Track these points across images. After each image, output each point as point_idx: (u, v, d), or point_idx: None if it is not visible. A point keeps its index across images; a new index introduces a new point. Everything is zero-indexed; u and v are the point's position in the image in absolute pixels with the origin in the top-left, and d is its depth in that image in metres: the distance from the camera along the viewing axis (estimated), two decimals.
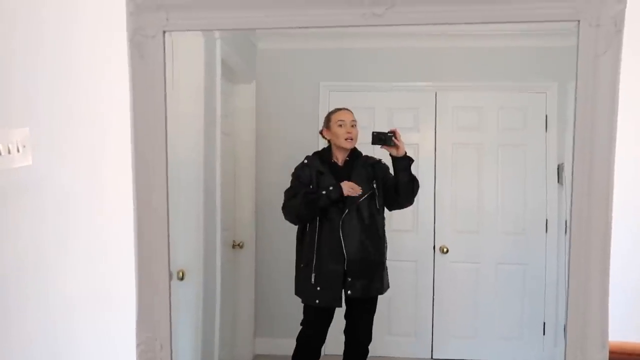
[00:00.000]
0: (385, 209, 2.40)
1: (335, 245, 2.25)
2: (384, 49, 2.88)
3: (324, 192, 2.23)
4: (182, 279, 1.86)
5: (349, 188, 2.24)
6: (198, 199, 2.13)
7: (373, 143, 2.27)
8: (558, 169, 2.78)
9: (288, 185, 2.35)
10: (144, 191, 1.20)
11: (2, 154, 1.06)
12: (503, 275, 2.89)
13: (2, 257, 1.12)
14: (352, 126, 2.33)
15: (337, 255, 2.25)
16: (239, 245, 2.82)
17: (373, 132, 2.26)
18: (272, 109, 2.94)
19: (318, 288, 2.26)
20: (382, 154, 2.31)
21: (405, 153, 2.27)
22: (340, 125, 2.32)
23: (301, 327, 2.36)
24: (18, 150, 1.10)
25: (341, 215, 2.26)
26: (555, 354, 2.78)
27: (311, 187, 2.26)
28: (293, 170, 2.34)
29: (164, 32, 1.10)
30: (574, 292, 1.16)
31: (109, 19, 1.13)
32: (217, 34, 2.14)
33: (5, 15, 1.11)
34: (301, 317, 2.36)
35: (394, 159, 2.27)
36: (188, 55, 1.95)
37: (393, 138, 2.24)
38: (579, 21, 1.05)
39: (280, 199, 2.39)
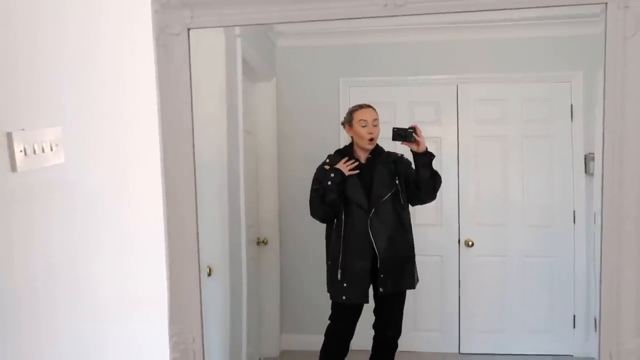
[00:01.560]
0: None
1: (364, 243, 2.25)
2: (403, 43, 2.87)
3: (329, 183, 2.24)
4: (209, 275, 1.88)
5: (345, 167, 2.26)
6: (222, 197, 2.15)
7: (394, 139, 2.25)
8: (585, 159, 2.73)
9: (310, 180, 2.36)
10: (173, 189, 1.23)
11: (37, 152, 1.09)
12: (530, 268, 2.85)
13: (34, 254, 1.15)
14: (375, 125, 2.32)
15: (365, 253, 2.25)
16: (263, 241, 2.84)
17: (393, 128, 2.25)
18: (292, 105, 2.95)
19: (345, 284, 2.27)
20: (404, 149, 2.30)
21: (427, 149, 2.24)
22: (363, 126, 2.31)
23: (329, 322, 2.37)
24: (51, 149, 1.12)
25: (368, 214, 2.25)
26: (587, 347, 2.73)
27: (331, 175, 2.26)
28: (315, 172, 2.35)
29: (189, 29, 1.12)
30: (606, 282, 1.14)
31: (134, 18, 1.15)
32: (237, 32, 2.15)
33: (33, 17, 1.14)
34: (327, 312, 2.37)
35: (415, 155, 2.25)
36: (209, 55, 1.97)
37: (413, 134, 2.22)
38: (606, 3, 1.03)
39: (302, 195, 2.40)
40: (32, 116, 1.14)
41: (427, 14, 1.06)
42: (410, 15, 1.08)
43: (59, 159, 1.17)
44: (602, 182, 1.16)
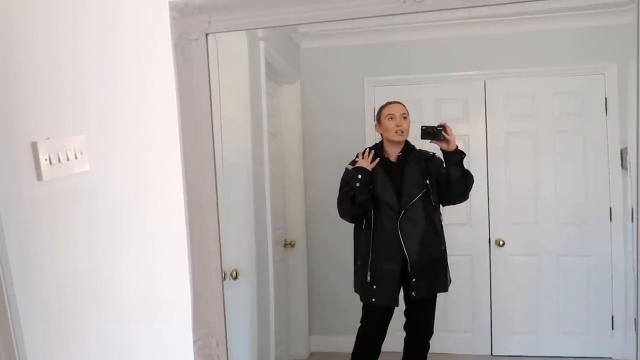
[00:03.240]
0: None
1: (394, 246, 2.21)
2: (428, 40, 2.82)
3: (357, 184, 2.21)
4: (236, 278, 1.89)
5: (367, 163, 2.23)
6: (248, 200, 2.16)
7: (422, 138, 2.20)
8: (621, 153, 2.62)
9: (337, 182, 2.34)
10: (195, 194, 1.23)
11: (62, 161, 1.11)
12: (565, 267, 2.75)
13: (61, 261, 1.18)
14: (403, 119, 2.28)
15: (394, 255, 2.21)
16: (290, 244, 2.84)
17: (422, 127, 2.19)
18: (317, 107, 2.94)
19: (374, 287, 2.23)
20: (436, 148, 2.25)
21: (457, 147, 2.18)
22: (391, 119, 2.27)
23: (360, 324, 2.34)
24: (76, 157, 1.15)
25: (398, 216, 2.21)
26: (626, 350, 2.62)
27: (359, 176, 2.23)
28: (344, 170, 2.32)
29: (207, 34, 1.12)
30: None
31: (152, 26, 1.17)
32: (260, 34, 2.16)
33: (55, 28, 1.16)
34: (355, 313, 2.35)
35: (445, 153, 2.18)
36: (233, 58, 1.98)
37: (443, 132, 2.16)
38: None
39: (329, 197, 2.39)
40: (56, 125, 1.16)
41: (446, 9, 1.03)
42: (430, 11, 1.05)
43: (84, 167, 1.20)
44: (637, 176, 1.10)
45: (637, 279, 1.11)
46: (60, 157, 1.10)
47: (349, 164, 2.29)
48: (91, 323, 1.23)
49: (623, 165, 2.63)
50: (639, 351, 1.10)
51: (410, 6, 1.01)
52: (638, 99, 1.05)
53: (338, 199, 2.28)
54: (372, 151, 2.26)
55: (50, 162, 1.07)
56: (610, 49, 2.59)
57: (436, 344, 2.39)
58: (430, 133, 2.17)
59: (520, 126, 2.85)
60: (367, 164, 2.24)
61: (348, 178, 2.25)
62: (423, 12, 1.03)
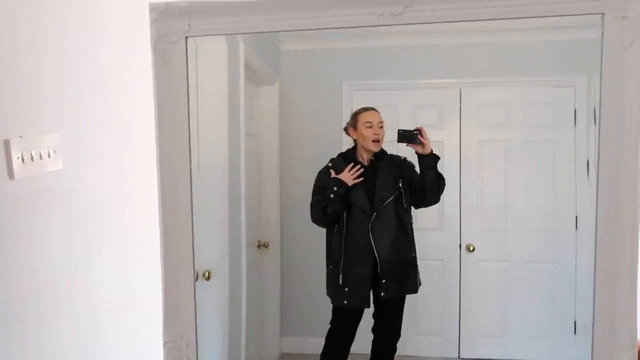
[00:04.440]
0: (412, 207, 2.39)
1: (364, 247, 2.25)
2: (406, 47, 2.86)
3: (332, 196, 2.23)
4: (208, 279, 1.89)
5: (349, 176, 2.25)
6: (223, 201, 2.16)
7: (399, 141, 2.26)
8: (588, 164, 2.71)
9: (312, 184, 2.37)
10: (169, 194, 1.23)
11: (34, 159, 1.10)
12: (532, 273, 2.83)
13: (36, 260, 1.17)
14: (380, 127, 2.33)
15: (366, 257, 2.25)
16: (264, 245, 2.85)
17: (399, 130, 2.26)
18: (295, 109, 2.95)
19: (346, 289, 2.27)
20: (407, 153, 2.30)
21: (432, 151, 2.26)
22: (369, 127, 2.32)
23: (330, 326, 2.37)
24: (49, 156, 1.14)
25: (370, 218, 2.25)
26: (588, 354, 2.70)
27: (335, 188, 2.25)
28: (316, 176, 2.35)
29: (187, 37, 1.12)
30: (600, 291, 1.13)
31: (133, 26, 1.16)
32: (239, 36, 2.16)
33: (34, 25, 1.15)
34: (327, 315, 2.37)
35: (420, 156, 2.25)
36: (212, 59, 1.97)
37: (419, 136, 2.23)
38: (603, 14, 1.03)
39: (304, 199, 2.40)
40: (31, 123, 1.15)
41: (423, 23, 1.07)
42: (407, 24, 1.08)
43: (57, 166, 1.18)
44: (597, 190, 1.15)
45: (595, 285, 1.16)
46: (34, 155, 1.09)
47: (323, 168, 2.32)
48: (67, 322, 1.22)
49: (589, 176, 2.72)
50: (594, 356, 1.15)
51: (387, 19, 1.04)
52: (600, 119, 1.10)
53: (311, 204, 2.30)
54: (361, 169, 2.27)
55: (23, 161, 1.06)
56: (580, 62, 2.67)
57: (406, 347, 2.43)
58: (406, 136, 2.23)
59: (493, 134, 2.91)
60: (349, 179, 2.25)
61: (322, 184, 2.27)
62: (400, 24, 1.06)
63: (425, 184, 2.24)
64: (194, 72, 1.30)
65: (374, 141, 2.30)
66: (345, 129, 2.41)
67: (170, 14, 1.10)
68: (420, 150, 2.24)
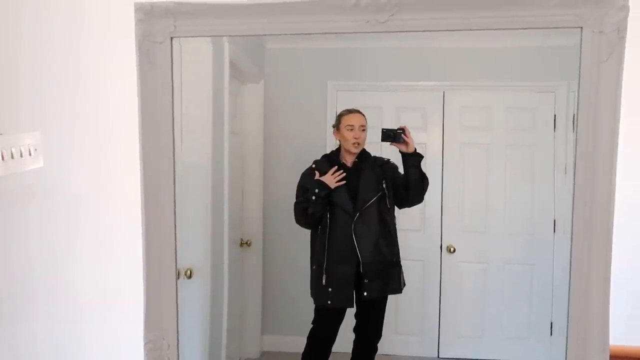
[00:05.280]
0: (396, 208, 2.41)
1: (347, 248, 2.27)
2: (392, 49, 2.88)
3: (313, 197, 2.24)
4: (190, 277, 1.88)
5: (332, 179, 2.26)
6: (206, 198, 2.15)
7: (383, 140, 2.28)
8: (566, 168, 2.77)
9: (295, 183, 2.38)
10: (152, 192, 1.23)
11: (15, 157, 1.09)
12: (510, 275, 2.88)
13: (13, 258, 1.16)
14: (362, 130, 2.35)
15: (349, 257, 2.27)
16: (246, 243, 2.85)
17: (382, 129, 2.28)
18: (280, 108, 2.95)
19: (329, 289, 2.29)
20: (390, 154, 2.32)
21: (415, 149, 2.29)
22: (350, 130, 2.34)
23: (312, 325, 2.38)
24: (30, 154, 1.13)
25: (352, 218, 2.27)
26: (564, 356, 2.76)
27: (316, 190, 2.27)
28: (300, 177, 2.36)
29: (172, 38, 1.12)
30: (575, 295, 1.17)
31: (117, 25, 1.16)
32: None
33: (15, 22, 1.13)
34: (308, 314, 2.39)
35: (404, 155, 2.28)
36: (196, 56, 1.96)
37: (402, 135, 2.25)
38: (582, 28, 1.05)
39: (287, 198, 2.41)
40: (11, 120, 1.14)
41: (408, 31, 1.08)
42: (393, 32, 1.09)
43: (37, 164, 1.17)
44: (573, 195, 1.18)
45: (570, 285, 1.19)
46: (14, 152, 1.08)
47: (307, 169, 2.33)
48: (44, 321, 1.21)
49: (566, 180, 2.78)
50: (567, 358, 1.18)
51: (373, 26, 1.05)
52: (577, 128, 1.12)
53: (294, 205, 2.31)
54: (344, 173, 2.28)
55: (3, 158, 1.05)
56: (560, 68, 2.72)
57: (386, 346, 2.46)
58: (390, 135, 2.26)
59: (474, 137, 2.95)
60: (332, 182, 2.26)
61: (306, 185, 2.28)
62: (385, 32, 1.07)
63: (409, 182, 2.28)
64: (179, 71, 1.30)
65: (353, 144, 2.33)
66: (334, 127, 2.43)
67: (155, 14, 1.10)
68: (404, 148, 2.27)
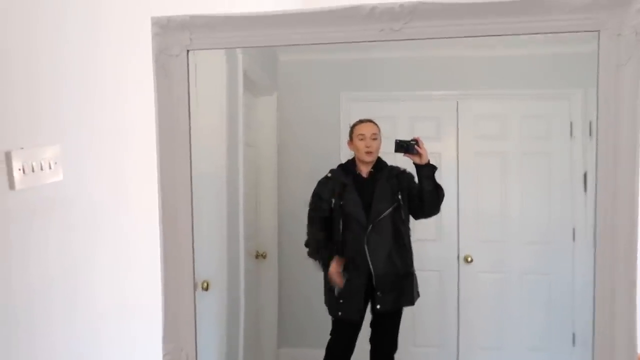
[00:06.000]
0: (411, 218, 2.40)
1: (360, 260, 2.26)
2: (404, 58, 2.88)
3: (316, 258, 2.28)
4: (206, 289, 1.88)
5: (335, 275, 2.27)
6: (221, 211, 2.16)
7: (396, 151, 2.29)
8: (585, 176, 2.73)
9: (309, 193, 2.38)
10: (169, 204, 1.24)
11: (35, 170, 1.11)
12: (529, 285, 2.83)
13: (31, 269, 1.17)
14: (374, 139, 2.34)
15: (361, 269, 2.26)
16: (262, 255, 2.84)
17: (396, 140, 2.28)
18: (293, 119, 2.96)
19: (340, 301, 2.28)
20: (407, 163, 2.32)
21: (429, 161, 2.28)
22: (361, 139, 2.34)
23: (330, 337, 2.37)
24: (50, 167, 1.14)
25: (366, 230, 2.27)
26: None
27: (332, 200, 2.28)
28: (315, 186, 2.36)
29: (188, 51, 1.13)
30: (600, 304, 1.14)
31: (134, 39, 1.18)
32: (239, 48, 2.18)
33: (32, 36, 1.16)
34: (325, 326, 2.37)
35: (418, 167, 2.28)
36: (210, 69, 1.98)
37: (416, 146, 2.25)
38: (599, 32, 1.04)
39: (302, 209, 2.41)
40: (31, 134, 1.15)
41: (422, 39, 1.08)
42: (407, 40, 1.09)
43: (57, 177, 1.19)
44: (596, 203, 1.16)
45: (594, 295, 1.17)
46: (34, 166, 1.09)
47: (323, 178, 2.33)
48: (62, 334, 1.22)
49: (585, 189, 2.73)
50: None
51: (387, 34, 1.05)
52: (597, 133, 1.11)
53: (309, 217, 2.32)
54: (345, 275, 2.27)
55: (24, 172, 1.06)
56: (576, 75, 2.69)
57: (404, 358, 2.42)
58: (403, 146, 2.26)
59: (489, 146, 2.93)
60: (335, 277, 2.26)
61: (321, 193, 2.29)
62: (399, 40, 1.07)
63: (424, 194, 2.26)
64: (194, 84, 1.31)
65: (366, 153, 2.33)
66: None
67: (172, 28, 1.11)
68: (417, 160, 2.27)
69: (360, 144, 2.33)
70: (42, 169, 1.12)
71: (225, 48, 1.27)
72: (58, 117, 1.20)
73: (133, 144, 1.25)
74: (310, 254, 2.36)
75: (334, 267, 2.29)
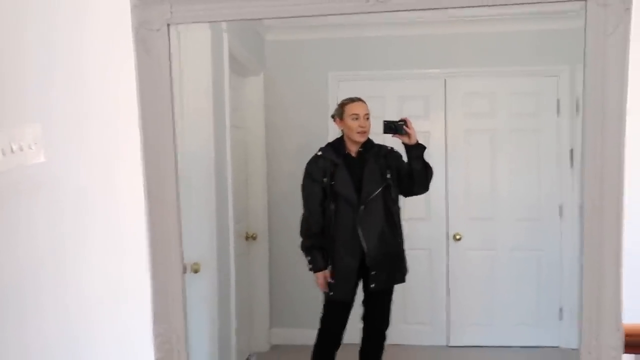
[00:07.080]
0: (400, 196, 2.40)
1: (352, 240, 2.27)
2: (392, 37, 2.86)
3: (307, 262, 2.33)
4: (197, 272, 1.87)
5: (322, 281, 2.30)
6: (210, 193, 2.14)
7: (385, 132, 2.27)
8: (571, 153, 2.74)
9: (300, 175, 2.36)
10: (154, 186, 1.22)
11: (14, 151, 1.08)
12: (518, 261, 2.86)
13: (18, 254, 1.15)
14: (366, 119, 2.33)
15: (354, 249, 2.27)
16: (252, 236, 2.84)
17: (384, 121, 2.27)
18: (281, 100, 2.94)
19: (333, 281, 2.29)
20: (394, 142, 2.31)
21: (417, 141, 2.27)
22: (355, 119, 2.31)
23: (322, 316, 2.38)
24: (30, 148, 1.11)
25: (357, 211, 2.26)
26: (573, 339, 2.74)
27: (324, 180, 2.27)
28: (306, 164, 2.34)
29: (168, 25, 1.10)
30: (587, 276, 1.15)
31: (115, 13, 1.14)
32: (224, 26, 2.14)
33: (16, 14, 1.12)
34: (317, 306, 2.38)
35: (407, 147, 2.27)
36: (196, 50, 1.95)
37: (404, 126, 2.24)
38: (586, 1, 1.03)
39: (292, 189, 2.40)
40: (11, 114, 1.12)
41: (410, 10, 1.06)
42: (394, 11, 1.07)
43: (39, 158, 1.16)
44: (583, 176, 1.16)
45: (582, 270, 1.18)
46: (14, 147, 1.07)
47: (312, 157, 2.32)
48: (54, 317, 1.20)
49: (572, 165, 2.75)
50: (582, 343, 1.17)
51: (373, 5, 1.03)
52: (584, 104, 1.10)
53: (305, 205, 2.34)
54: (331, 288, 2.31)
55: (4, 154, 1.04)
56: (563, 52, 2.69)
57: (395, 336, 2.45)
58: (392, 127, 2.25)
59: (478, 124, 2.93)
60: (322, 282, 2.30)
61: (313, 173, 2.28)
62: (386, 11, 1.05)
63: (413, 173, 2.27)
64: (178, 63, 1.28)
65: (359, 133, 2.31)
66: (333, 117, 2.41)
67: (151, 1, 1.08)
68: (406, 140, 2.26)
69: (354, 124, 2.31)
70: (22, 149, 1.09)
71: (208, 22, 1.24)
72: (38, 96, 1.16)
73: (118, 123, 1.23)
74: (303, 249, 2.36)
75: (324, 277, 2.30)
